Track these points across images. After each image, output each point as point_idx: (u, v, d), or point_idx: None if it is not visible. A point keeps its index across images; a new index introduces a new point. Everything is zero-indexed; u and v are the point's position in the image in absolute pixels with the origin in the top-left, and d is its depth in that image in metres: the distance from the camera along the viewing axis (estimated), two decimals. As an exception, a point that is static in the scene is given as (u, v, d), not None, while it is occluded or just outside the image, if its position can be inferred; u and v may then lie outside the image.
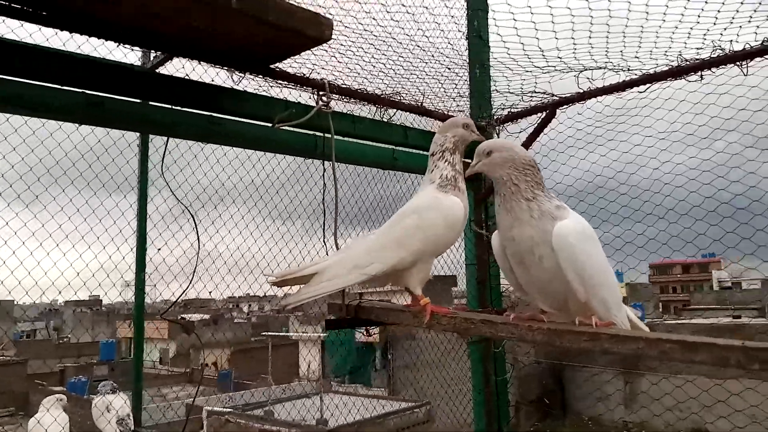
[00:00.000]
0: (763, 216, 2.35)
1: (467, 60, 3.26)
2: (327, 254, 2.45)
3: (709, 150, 2.41)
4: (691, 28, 2.30)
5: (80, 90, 2.08)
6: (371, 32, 2.68)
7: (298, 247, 3.79)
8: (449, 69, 3.16)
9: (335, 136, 2.61)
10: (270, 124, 2.51)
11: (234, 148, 3.45)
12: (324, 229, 2.58)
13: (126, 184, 4.18)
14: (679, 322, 24.19)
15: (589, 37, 2.43)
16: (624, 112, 2.75)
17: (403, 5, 2.70)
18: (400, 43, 2.80)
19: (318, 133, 2.68)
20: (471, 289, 3.32)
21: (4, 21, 2.01)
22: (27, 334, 39.20)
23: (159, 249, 4.15)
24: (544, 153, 3.06)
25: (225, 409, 16.04)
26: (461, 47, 3.26)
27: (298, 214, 3.84)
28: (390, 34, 2.74)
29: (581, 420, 23.34)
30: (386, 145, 3.01)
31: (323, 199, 2.57)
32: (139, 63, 2.97)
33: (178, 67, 2.44)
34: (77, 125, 2.86)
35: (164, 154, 3.04)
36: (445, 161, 1.99)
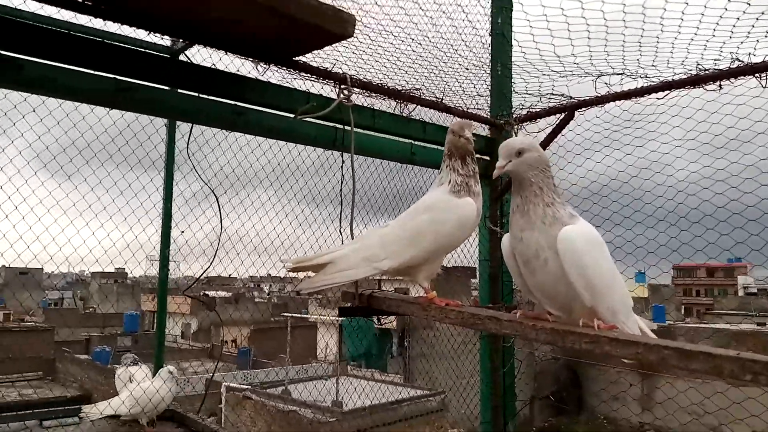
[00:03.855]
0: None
1: (485, 59, 3.29)
2: (342, 243, 2.52)
3: (724, 160, 2.42)
4: (707, 41, 2.30)
5: (111, 75, 2.18)
6: (390, 32, 2.73)
7: (321, 229, 3.79)
8: (467, 69, 3.19)
9: (355, 129, 2.68)
10: (292, 116, 2.59)
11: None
12: (341, 219, 2.66)
13: (154, 164, 4.31)
14: (701, 326, 23.85)
15: (605, 45, 2.44)
16: (642, 117, 2.77)
17: (425, 10, 2.73)
18: (420, 44, 2.84)
19: (338, 126, 2.75)
20: (483, 284, 3.37)
21: (42, 7, 2.12)
22: (55, 303, 40.33)
23: (182, 231, 4.27)
24: (560, 154, 3.09)
25: (243, 386, 16.32)
26: (479, 48, 3.29)
27: (321, 198, 3.87)
28: (409, 35, 2.79)
29: (596, 418, 23.21)
30: (405, 140, 3.07)
31: (341, 190, 2.64)
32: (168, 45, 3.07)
33: (205, 56, 2.52)
34: (107, 109, 2.98)
35: (189, 138, 3.16)
36: (447, 166, 2.04)
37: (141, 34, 2.29)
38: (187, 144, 3.11)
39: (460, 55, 3.08)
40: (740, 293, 42.36)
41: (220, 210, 3.25)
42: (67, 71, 2.12)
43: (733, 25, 2.20)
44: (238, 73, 2.50)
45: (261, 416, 14.67)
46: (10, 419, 4.62)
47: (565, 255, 1.65)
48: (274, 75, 2.56)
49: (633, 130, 2.80)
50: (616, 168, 2.84)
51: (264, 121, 2.59)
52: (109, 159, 3.48)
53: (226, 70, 2.47)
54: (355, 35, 2.33)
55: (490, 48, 3.40)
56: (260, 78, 2.51)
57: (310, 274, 2.14)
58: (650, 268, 2.88)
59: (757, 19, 2.10)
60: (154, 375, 4.96)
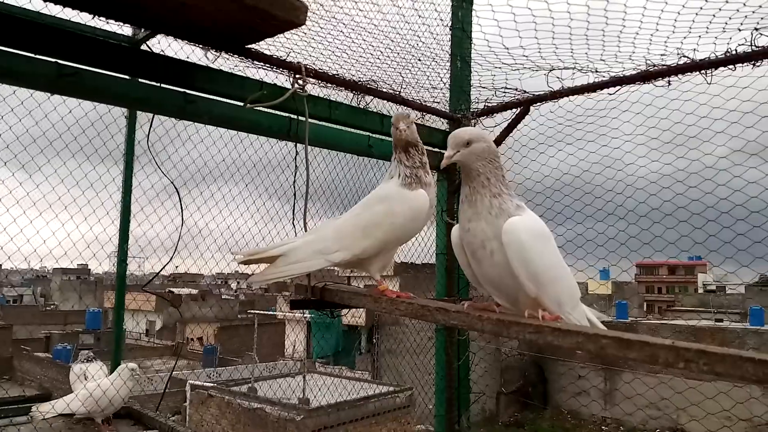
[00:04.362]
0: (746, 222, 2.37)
1: (445, 52, 3.29)
2: (296, 235, 2.49)
3: (671, 155, 2.47)
4: (651, 35, 2.34)
5: (53, 60, 2.11)
6: (348, 22, 2.70)
7: (286, 225, 3.73)
8: (420, 61, 3.18)
9: (311, 120, 2.64)
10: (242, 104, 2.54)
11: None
12: (294, 211, 2.62)
13: (116, 154, 4.20)
14: (662, 322, 24.52)
15: (553, 37, 2.47)
16: (594, 113, 2.81)
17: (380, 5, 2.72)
18: (376, 35, 2.82)
19: (293, 116, 2.71)
20: (440, 278, 3.38)
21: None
22: (13, 300, 39.20)
23: (139, 224, 4.19)
24: (515, 149, 3.11)
25: (208, 384, 16.15)
26: (441, 40, 3.29)
27: (280, 193, 3.81)
28: (368, 23, 2.77)
29: (561, 413, 23.67)
30: (362, 132, 3.05)
31: (294, 181, 2.61)
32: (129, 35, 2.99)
33: (153, 43, 2.46)
34: (48, 95, 2.88)
35: (150, 128, 3.08)
36: (394, 159, 2.03)
37: (94, 20, 2.21)
38: (148, 135, 3.03)
39: (417, 49, 3.07)
40: (700, 290, 43.56)
41: (181, 204, 3.19)
42: (5, 53, 2.03)
43: (675, 20, 2.24)
44: (188, 60, 2.44)
45: (226, 414, 14.55)
46: (-46, 420, 4.46)
47: (509, 246, 1.66)
48: (226, 63, 2.52)
49: (585, 125, 2.84)
50: (569, 163, 2.89)
51: (215, 110, 2.53)
52: (65, 149, 3.37)
53: (175, 56, 2.42)
54: (310, 26, 2.31)
55: (449, 43, 3.41)
56: (211, 66, 2.46)
57: (262, 266, 2.11)
58: (601, 260, 2.91)
59: (696, 14, 2.14)
60: (111, 373, 4.87)
